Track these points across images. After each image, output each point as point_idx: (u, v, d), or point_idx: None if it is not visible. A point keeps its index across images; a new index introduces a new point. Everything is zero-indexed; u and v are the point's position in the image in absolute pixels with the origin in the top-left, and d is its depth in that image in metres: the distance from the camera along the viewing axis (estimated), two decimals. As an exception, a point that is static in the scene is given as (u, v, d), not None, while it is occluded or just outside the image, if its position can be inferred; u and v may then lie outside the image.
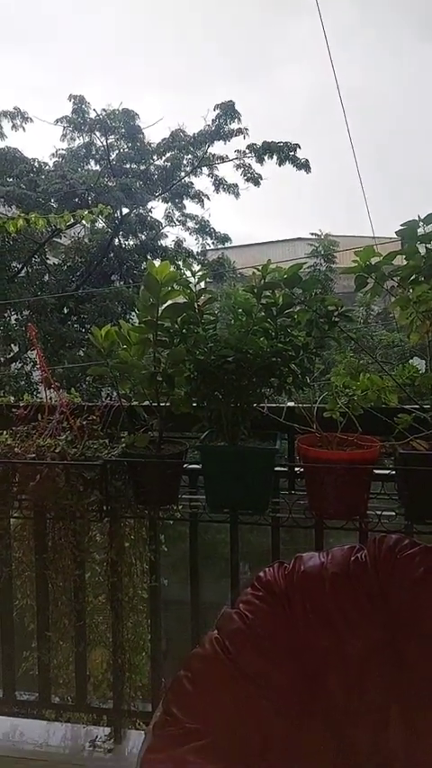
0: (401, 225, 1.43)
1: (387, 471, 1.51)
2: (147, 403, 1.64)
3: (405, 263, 1.44)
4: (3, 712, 1.91)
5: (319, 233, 11.09)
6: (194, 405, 1.57)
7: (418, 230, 1.42)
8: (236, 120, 9.53)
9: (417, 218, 1.42)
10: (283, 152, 9.54)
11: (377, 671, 1.27)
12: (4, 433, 1.72)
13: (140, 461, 1.56)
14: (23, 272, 9.38)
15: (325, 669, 1.29)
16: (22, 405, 1.81)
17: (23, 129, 9.36)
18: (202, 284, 1.59)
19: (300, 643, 1.30)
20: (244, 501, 1.54)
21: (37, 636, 1.82)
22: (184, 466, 1.62)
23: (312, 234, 11.18)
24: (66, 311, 9.59)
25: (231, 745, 1.19)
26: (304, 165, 9.58)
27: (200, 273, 1.57)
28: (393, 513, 1.49)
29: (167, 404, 1.59)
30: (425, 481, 1.39)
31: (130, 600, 1.77)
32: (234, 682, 1.28)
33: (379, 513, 1.48)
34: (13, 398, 1.97)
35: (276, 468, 1.57)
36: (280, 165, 9.58)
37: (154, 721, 1.26)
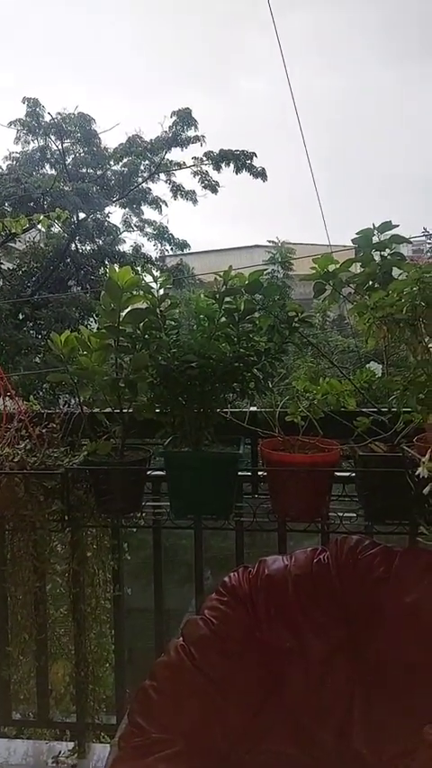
0: (357, 233, 1.48)
1: (347, 473, 1.55)
2: (108, 410, 1.62)
3: (361, 270, 1.49)
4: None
5: (277, 240, 11.27)
6: (157, 411, 1.57)
7: (373, 238, 1.47)
8: (193, 128, 9.60)
9: (372, 227, 1.46)
10: (240, 160, 9.65)
11: (339, 671, 1.29)
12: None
13: (103, 469, 1.54)
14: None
15: (289, 670, 1.30)
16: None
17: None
18: (164, 290, 1.59)
19: (264, 646, 1.31)
20: (208, 506, 1.54)
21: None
22: (148, 472, 1.61)
23: (270, 241, 11.34)
24: (21, 317, 9.38)
25: (198, 752, 1.19)
26: (261, 174, 9.72)
27: (162, 279, 1.57)
28: (354, 515, 1.52)
29: (130, 410, 1.58)
30: (384, 482, 1.42)
31: (93, 610, 1.74)
32: (200, 688, 1.27)
33: (340, 514, 1.51)
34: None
35: (240, 473, 1.58)
36: (237, 173, 9.69)
37: (119, 733, 1.25)
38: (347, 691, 1.27)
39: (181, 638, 1.35)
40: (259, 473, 1.61)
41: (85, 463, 1.56)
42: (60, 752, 1.73)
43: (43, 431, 1.66)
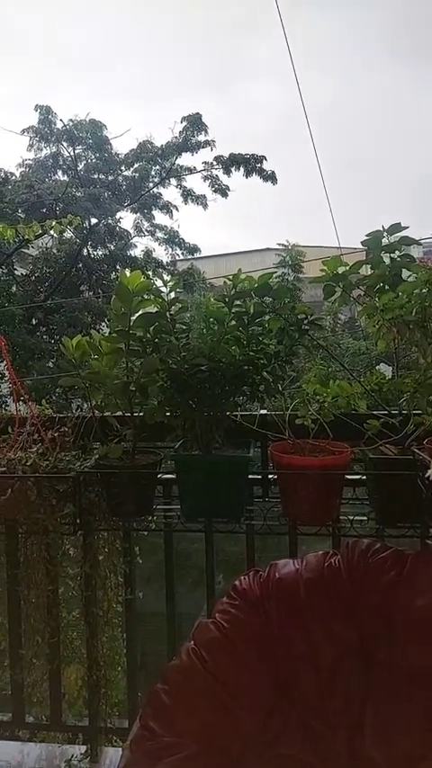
0: (367, 235, 1.47)
1: (358, 476, 1.54)
2: (119, 413, 1.63)
3: (371, 272, 1.48)
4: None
5: (287, 243, 11.27)
6: (168, 414, 1.57)
7: (383, 240, 1.46)
8: (203, 133, 9.64)
9: (381, 229, 1.46)
10: (250, 164, 9.67)
11: (351, 674, 1.28)
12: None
13: (114, 472, 1.55)
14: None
15: (300, 674, 1.29)
16: (-10, 418, 1.77)
17: (-12, 139, 9.24)
18: (174, 294, 1.59)
19: (275, 650, 1.30)
20: (219, 509, 1.54)
21: (9, 654, 1.78)
22: (158, 476, 1.61)
23: (280, 244, 11.34)
24: (34, 322, 9.47)
25: (210, 756, 1.18)
26: (271, 177, 9.73)
27: (171, 283, 1.58)
28: (365, 518, 1.51)
29: (141, 414, 1.59)
30: (394, 485, 1.42)
31: (105, 614, 1.74)
32: (211, 692, 1.27)
33: (351, 517, 1.51)
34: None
35: (250, 476, 1.58)
36: (247, 177, 9.71)
37: (131, 737, 1.25)
38: (359, 694, 1.26)
39: (192, 642, 1.35)
40: (270, 476, 1.61)
41: (96, 467, 1.57)
42: (73, 755, 1.74)
43: (55, 435, 1.67)
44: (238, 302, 1.52)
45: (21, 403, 1.77)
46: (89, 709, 1.76)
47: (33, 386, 7.75)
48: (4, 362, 1.96)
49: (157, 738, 1.21)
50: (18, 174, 9.68)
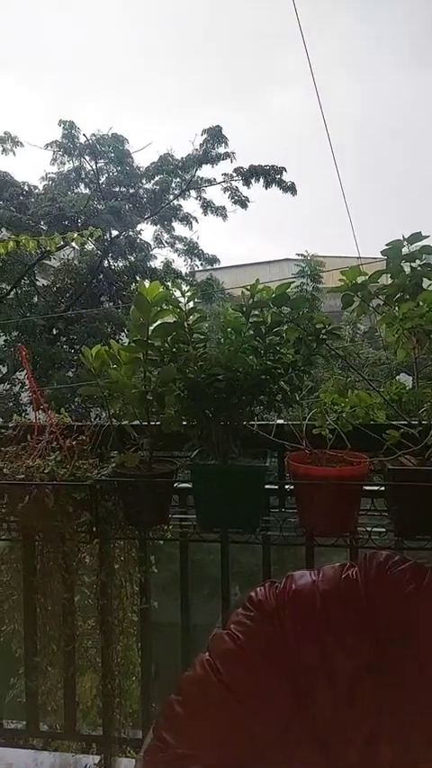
0: (386, 245, 1.47)
1: (377, 487, 1.52)
2: (137, 422, 1.64)
3: (390, 281, 1.47)
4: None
5: (306, 254, 11.26)
6: (184, 423, 1.58)
7: (403, 250, 1.45)
8: (223, 145, 9.73)
9: (401, 238, 1.45)
10: (270, 175, 9.72)
11: (367, 687, 1.26)
12: (-7, 453, 1.70)
13: (130, 481, 1.55)
14: (12, 293, 9.39)
15: (315, 686, 1.28)
16: (11, 425, 1.80)
17: (14, 153, 9.46)
18: (192, 304, 1.60)
19: (291, 662, 1.28)
20: (235, 519, 1.53)
21: (24, 662, 1.78)
22: (175, 485, 1.61)
23: (299, 255, 11.35)
24: (55, 332, 9.60)
25: (223, 767, 1.17)
26: (290, 188, 9.76)
27: (189, 293, 1.59)
28: (383, 530, 1.49)
29: (158, 423, 1.59)
30: (414, 497, 1.39)
31: (120, 623, 1.74)
32: (225, 703, 1.26)
33: (369, 529, 1.48)
34: (1, 419, 1.96)
35: (267, 486, 1.57)
36: (266, 188, 9.76)
37: (145, 748, 1.24)
38: (375, 707, 1.23)
39: (207, 653, 1.34)
40: (286, 486, 1.60)
41: (113, 475, 1.57)
42: (86, 765, 1.73)
43: (73, 443, 1.68)
44: (255, 312, 1.53)
45: (40, 411, 1.79)
46: (103, 719, 1.75)
47: (53, 395, 7.84)
48: (25, 371, 1.99)
49: (170, 750, 1.20)
50: (41, 188, 9.87)
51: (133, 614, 1.75)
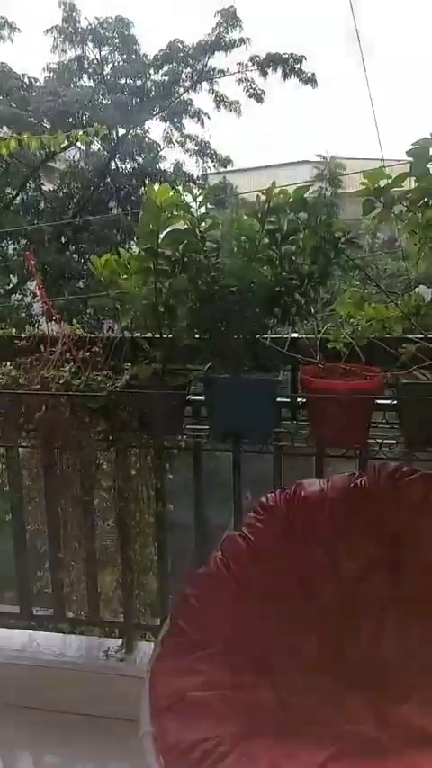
0: (412, 144, 1.36)
1: (389, 401, 1.52)
2: (149, 335, 1.63)
3: (415, 185, 1.38)
4: (20, 626, 2.04)
5: (326, 155, 10.60)
6: (197, 336, 1.56)
7: (431, 150, 1.35)
8: (238, 29, 8.85)
9: (429, 137, 1.34)
10: (288, 64, 8.92)
11: (373, 586, 1.34)
12: (8, 364, 1.72)
13: (144, 392, 1.57)
14: (18, 198, 9.07)
15: (323, 585, 1.36)
16: (24, 336, 1.79)
17: (11, 40, 8.74)
18: (204, 209, 1.53)
19: (299, 562, 1.36)
20: (247, 431, 1.56)
21: (49, 557, 1.91)
22: (188, 397, 1.63)
23: (318, 156, 10.68)
24: (63, 240, 9.36)
25: (234, 654, 1.28)
26: (311, 80, 9.00)
27: (201, 197, 1.51)
28: (394, 442, 1.51)
29: (170, 335, 1.58)
30: (427, 410, 1.40)
31: (138, 524, 1.84)
32: (236, 597, 1.35)
33: (380, 441, 1.51)
34: (14, 330, 1.95)
35: (279, 399, 1.58)
36: (284, 79, 9.00)
37: (162, 633, 1.35)
38: (380, 607, 1.32)
39: (220, 552, 1.42)
40: (299, 400, 1.61)
41: (126, 386, 1.59)
42: (110, 647, 1.90)
43: (86, 354, 1.68)
44: (271, 218, 1.45)
45: (52, 322, 1.78)
46: (124, 608, 1.90)
47: (64, 305, 7.79)
48: (35, 281, 1.95)
49: (185, 635, 1.31)
50: (42, 80, 9.20)
51: (150, 516, 1.84)
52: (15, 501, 1.94)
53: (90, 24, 8.98)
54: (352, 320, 1.49)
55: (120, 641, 1.91)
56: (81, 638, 1.97)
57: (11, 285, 8.76)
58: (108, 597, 1.95)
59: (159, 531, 1.86)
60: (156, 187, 1.44)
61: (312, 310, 1.50)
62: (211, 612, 1.33)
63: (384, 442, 1.51)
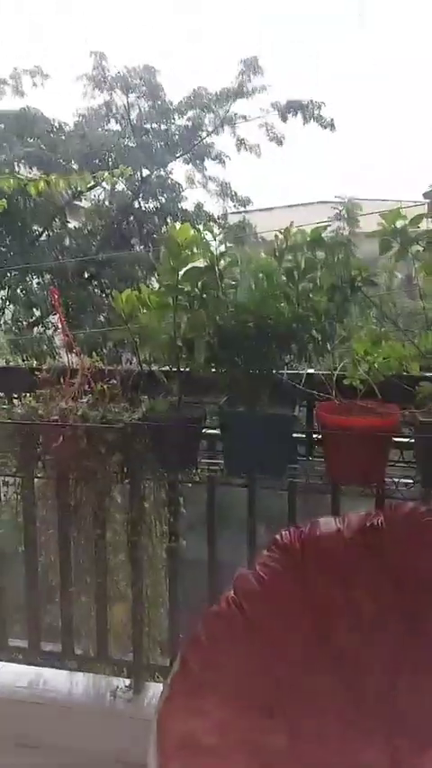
0: (430, 186, 1.39)
1: (406, 439, 1.50)
2: (166, 368, 1.65)
3: (432, 226, 1.40)
4: (28, 662, 2.00)
5: (343, 196, 10.79)
6: (214, 370, 1.58)
7: (448, 192, 1.37)
8: (259, 76, 9.20)
9: (446, 180, 1.36)
10: (308, 110, 9.21)
11: (389, 630, 1.30)
12: (28, 395, 1.75)
13: (160, 426, 1.58)
14: (44, 235, 9.36)
15: (336, 627, 1.32)
16: (44, 368, 1.83)
17: (43, 86, 9.19)
18: (223, 247, 1.57)
19: (313, 603, 1.33)
20: (262, 466, 1.55)
21: (60, 590, 1.89)
22: (203, 430, 1.63)
23: (336, 197, 10.88)
24: (86, 276, 9.58)
25: (245, 696, 1.24)
26: (330, 125, 9.25)
27: (220, 236, 1.55)
28: (411, 481, 1.49)
29: (187, 369, 1.60)
30: (444, 449, 1.38)
31: (150, 558, 1.82)
32: (248, 638, 1.32)
33: (396, 480, 1.48)
34: (35, 362, 1.99)
35: (295, 435, 1.57)
36: (304, 124, 9.27)
37: (171, 674, 1.32)
38: (397, 653, 1.27)
39: (232, 591, 1.40)
40: (314, 436, 1.60)
41: (143, 419, 1.60)
42: (118, 687, 1.85)
43: (105, 386, 1.71)
44: (288, 256, 1.48)
45: (72, 355, 1.81)
46: (133, 646, 1.86)
47: (85, 339, 7.91)
48: (57, 315, 2.01)
49: (195, 676, 1.28)
50: (71, 124, 9.61)
51: (162, 551, 1.82)
52: (28, 532, 1.94)
53: (119, 72, 9.42)
54: (368, 357, 1.49)
55: (128, 681, 1.86)
56: (89, 677, 1.92)
57: (34, 318, 8.95)
58: (117, 634, 1.91)
59: (171, 567, 1.84)
60: (177, 226, 1.49)
61: (329, 347, 1.51)
62: (222, 653, 1.30)
63: (401, 480, 1.48)
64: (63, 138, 9.05)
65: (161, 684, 1.62)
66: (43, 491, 1.89)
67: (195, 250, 1.51)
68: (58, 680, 1.92)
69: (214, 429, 1.65)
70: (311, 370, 1.58)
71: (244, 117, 9.56)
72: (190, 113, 9.60)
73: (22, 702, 1.87)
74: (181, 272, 1.52)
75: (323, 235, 1.44)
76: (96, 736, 1.77)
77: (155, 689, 1.83)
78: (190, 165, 10.07)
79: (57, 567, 1.89)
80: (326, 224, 1.59)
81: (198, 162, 10.01)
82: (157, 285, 1.60)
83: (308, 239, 1.44)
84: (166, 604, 1.85)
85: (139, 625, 1.83)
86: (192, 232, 1.48)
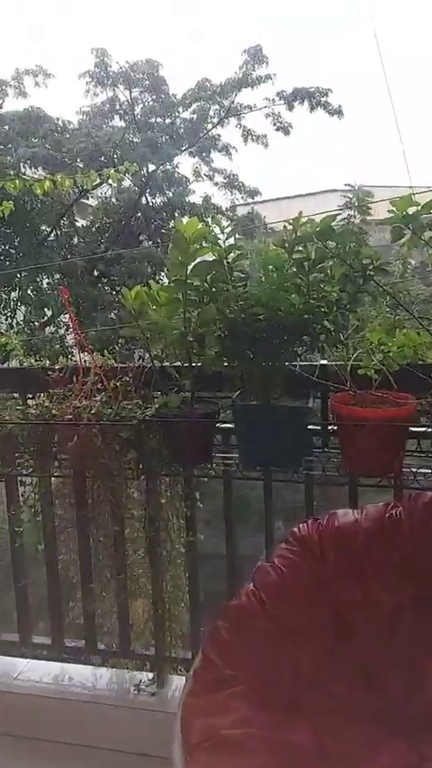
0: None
1: (423, 428, 1.49)
2: (178, 363, 1.65)
3: (444, 211, 1.37)
4: (52, 658, 2.03)
5: (353, 184, 10.68)
6: (226, 364, 1.57)
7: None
8: (264, 65, 9.10)
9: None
10: (315, 98, 9.09)
11: (409, 623, 1.29)
12: (42, 395, 1.76)
13: (174, 421, 1.58)
14: (53, 235, 9.38)
15: (358, 620, 1.31)
16: (57, 368, 1.83)
17: (46, 86, 9.18)
18: (232, 240, 1.55)
19: (332, 595, 1.32)
20: (277, 459, 1.54)
21: (81, 587, 1.91)
22: (217, 425, 1.63)
23: (346, 185, 10.76)
24: (96, 274, 9.60)
25: (267, 691, 1.24)
26: (337, 111, 9.13)
27: (228, 229, 1.53)
28: (429, 471, 1.47)
29: (199, 364, 1.59)
30: (462, 437, 1.36)
31: (169, 554, 1.82)
32: (268, 631, 1.32)
33: (414, 470, 1.47)
34: (48, 362, 2.00)
35: (309, 427, 1.56)
36: (311, 112, 9.16)
37: (194, 667, 1.32)
38: (419, 647, 1.26)
39: (252, 584, 1.40)
40: (330, 427, 1.59)
41: (156, 415, 1.60)
42: (141, 681, 1.87)
43: (117, 384, 1.71)
44: (298, 247, 1.47)
45: (84, 353, 1.82)
46: (155, 640, 1.87)
47: (96, 337, 7.94)
48: (68, 314, 2.01)
49: (217, 670, 1.28)
50: (76, 123, 9.60)
51: (180, 546, 1.83)
52: (48, 531, 1.95)
53: (121, 68, 9.38)
54: (383, 347, 1.47)
55: (151, 675, 1.88)
56: (112, 672, 1.95)
57: (45, 318, 9.01)
58: (139, 629, 1.92)
59: (190, 561, 1.84)
60: (184, 220, 1.48)
61: (342, 337, 1.49)
62: (243, 646, 1.30)
63: (419, 470, 1.47)
64: (67, 136, 9.05)
65: (184, 678, 1.63)
66: (60, 489, 1.91)
67: (204, 244, 1.50)
68: (82, 675, 1.94)
69: (228, 423, 1.65)
70: (325, 362, 1.57)
71: (249, 107, 9.48)
72: (195, 106, 9.54)
73: (47, 698, 1.89)
74: (190, 267, 1.51)
75: (333, 224, 1.42)
76: (121, 729, 1.79)
77: (178, 682, 1.84)
78: (196, 157, 10.01)
79: (77, 565, 1.91)
80: (335, 213, 1.57)
81: (204, 154, 9.95)
82: (166, 280, 1.59)
83: (317, 229, 1.42)
84: (186, 598, 1.86)
85: (160, 619, 1.84)
86: (199, 226, 1.47)
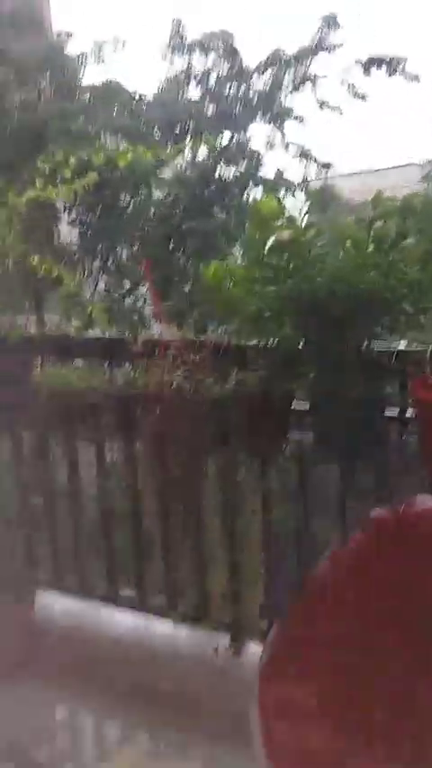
0: None
1: None
2: (254, 341, 1.66)
3: None
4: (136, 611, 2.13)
5: (434, 159, 9.97)
6: (302, 344, 1.57)
7: None
8: (339, 31, 8.61)
9: None
10: (392, 66, 8.52)
11: None
12: (126, 365, 1.83)
13: (251, 399, 1.60)
14: (131, 206, 9.52)
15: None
16: (140, 340, 1.88)
17: (122, 57, 9.21)
18: (308, 218, 1.54)
19: (407, 582, 1.31)
20: (353, 443, 1.53)
21: (162, 557, 2.00)
22: (292, 406, 1.64)
23: (428, 161, 10.07)
24: (170, 246, 9.68)
25: (342, 667, 1.26)
26: (415, 78, 8.53)
27: (306, 207, 1.52)
28: None
29: (275, 342, 1.60)
30: None
31: (246, 528, 1.88)
32: (342, 611, 1.33)
33: None
34: (128, 333, 2.07)
35: (386, 412, 1.54)
36: (389, 78, 8.60)
37: (271, 637, 1.38)
38: None
39: (329, 563, 1.42)
40: (408, 413, 1.55)
41: (234, 393, 1.62)
42: (219, 643, 1.93)
43: (196, 358, 1.72)
44: (377, 225, 1.43)
45: (164, 325, 1.85)
46: (234, 608, 1.93)
47: (172, 309, 8.03)
48: (146, 285, 2.06)
49: (294, 639, 1.32)
50: (151, 95, 9.61)
51: (257, 522, 1.87)
52: (132, 499, 2.05)
53: (195, 39, 9.24)
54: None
55: (229, 639, 1.94)
56: (192, 633, 2.03)
57: (125, 289, 9.22)
58: (219, 598, 2.00)
59: (266, 537, 1.89)
60: (261, 197, 1.48)
61: (422, 320, 1.45)
62: (319, 621, 1.33)
63: None
64: (144, 107, 9.08)
65: (261, 646, 1.69)
66: (146, 460, 1.99)
67: (280, 222, 1.49)
68: (163, 630, 2.03)
69: (303, 402, 1.65)
70: (403, 345, 1.53)
71: (324, 76, 9.05)
72: (268, 75, 9.24)
73: (129, 650, 2.01)
74: (267, 245, 1.51)
75: (416, 201, 1.37)
76: (200, 688, 1.88)
77: (255, 649, 1.90)
78: (270, 126, 9.74)
79: (159, 531, 2.00)
80: (417, 188, 1.50)
81: (278, 125, 9.66)
82: (239, 254, 1.60)
83: (398, 206, 1.38)
84: (262, 572, 1.91)
85: (238, 589, 1.90)
86: (275, 204, 1.47)
